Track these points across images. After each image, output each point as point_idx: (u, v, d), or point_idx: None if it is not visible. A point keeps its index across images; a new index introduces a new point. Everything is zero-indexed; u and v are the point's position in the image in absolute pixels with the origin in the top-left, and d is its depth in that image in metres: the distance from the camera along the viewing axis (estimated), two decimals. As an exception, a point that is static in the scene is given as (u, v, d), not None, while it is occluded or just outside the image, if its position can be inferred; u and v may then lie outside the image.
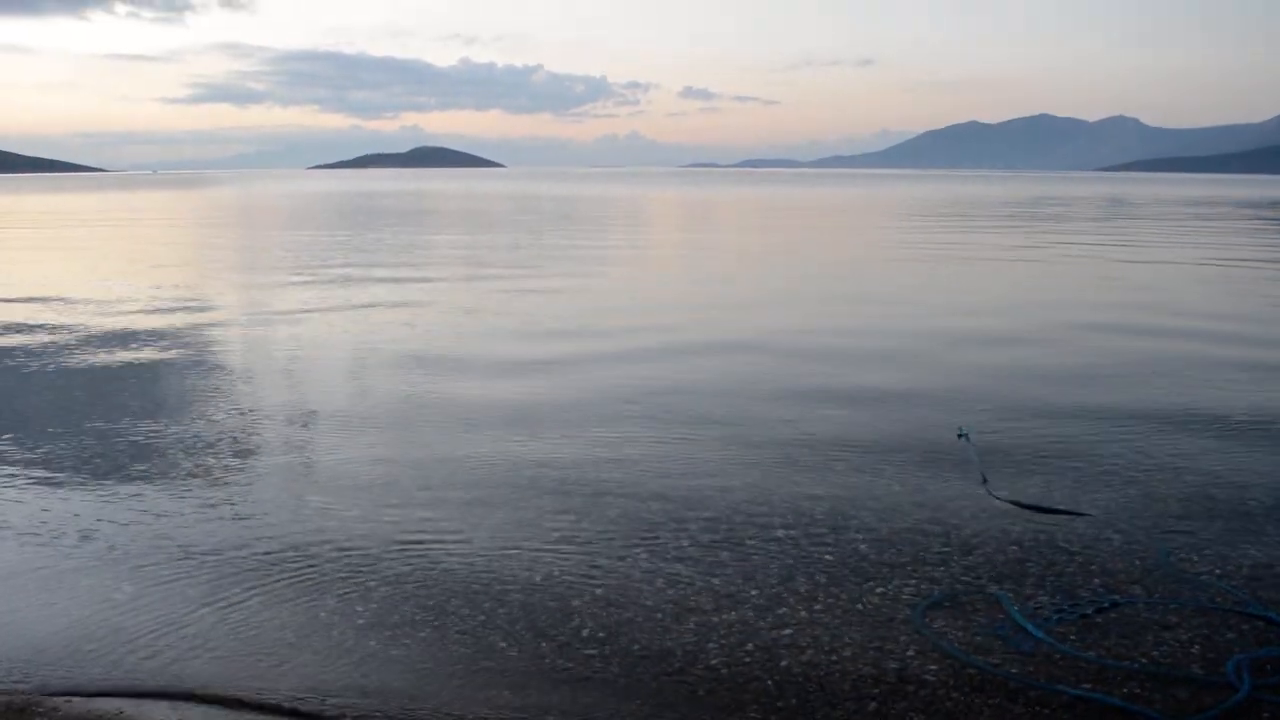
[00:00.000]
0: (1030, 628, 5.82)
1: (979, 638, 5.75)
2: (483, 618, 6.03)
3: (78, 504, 8.08)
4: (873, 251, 34.21)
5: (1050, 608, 6.12)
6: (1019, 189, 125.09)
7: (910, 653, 5.58)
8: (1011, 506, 7.88)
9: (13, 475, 8.81)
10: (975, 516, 7.67)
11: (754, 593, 6.34)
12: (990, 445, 9.47)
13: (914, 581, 6.50)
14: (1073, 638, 5.74)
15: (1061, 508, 7.85)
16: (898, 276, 26.09)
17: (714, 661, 5.50)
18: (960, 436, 9.65)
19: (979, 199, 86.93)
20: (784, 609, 6.11)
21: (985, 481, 8.39)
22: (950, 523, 7.54)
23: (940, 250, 33.61)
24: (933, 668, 5.43)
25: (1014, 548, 7.06)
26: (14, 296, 21.19)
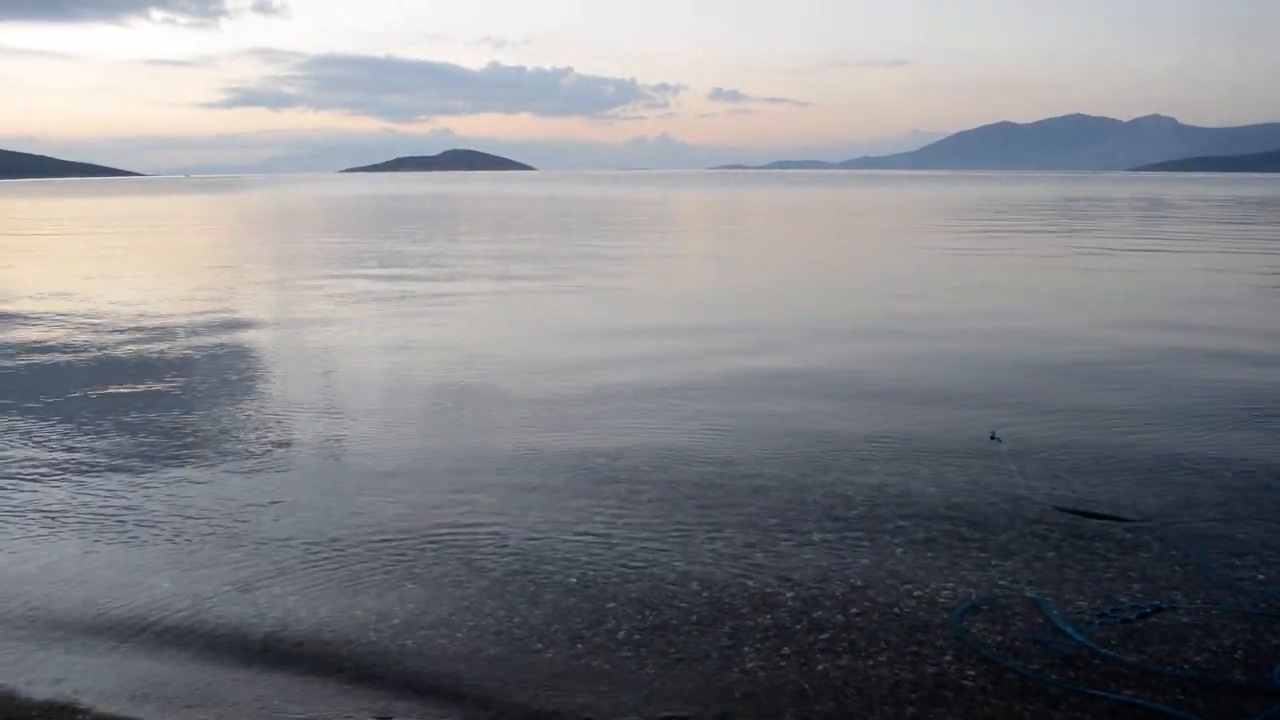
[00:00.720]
0: (1071, 632, 5.75)
1: (1018, 642, 5.69)
2: (518, 619, 6.03)
3: (117, 496, 8.15)
4: (913, 256, 34.01)
5: (1090, 612, 6.05)
6: (1056, 190, 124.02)
7: (948, 657, 5.53)
8: (1050, 510, 7.80)
9: (60, 465, 8.91)
10: (1012, 521, 7.59)
11: (789, 596, 6.30)
12: (1026, 449, 9.38)
13: (951, 585, 6.45)
14: (1114, 643, 5.67)
15: (1100, 511, 7.76)
16: (935, 276, 25.93)
17: (750, 665, 5.48)
18: (993, 439, 9.58)
19: (1016, 201, 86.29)
20: (820, 612, 6.07)
21: (1022, 484, 8.31)
22: (987, 526, 7.48)
23: (981, 253, 33.39)
24: (971, 672, 5.38)
25: (1052, 553, 6.98)
26: (77, 304, 21.44)
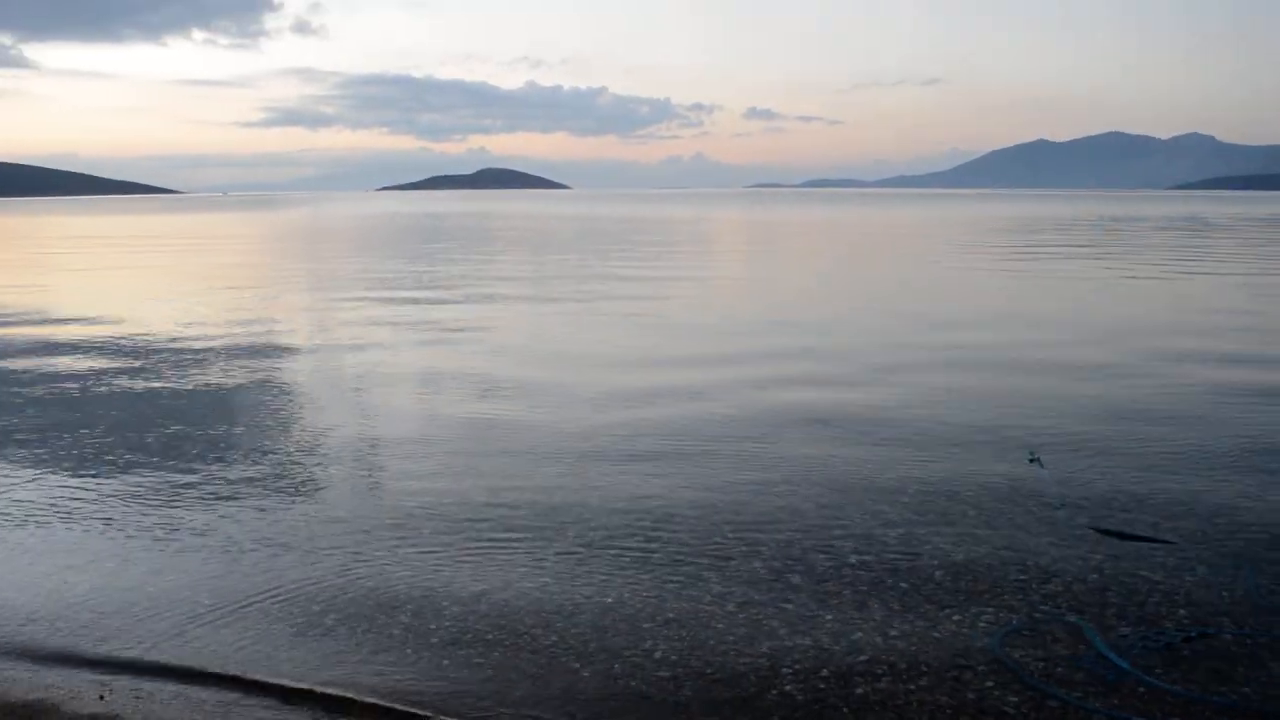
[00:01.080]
0: (1114, 657, 5.67)
1: (1060, 669, 5.62)
2: (555, 638, 6.02)
3: (158, 511, 8.24)
4: (956, 276, 33.82)
5: (1134, 637, 5.96)
6: (1096, 209, 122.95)
7: (989, 683, 5.47)
8: (1091, 532, 7.71)
9: (103, 482, 9.01)
10: (1053, 543, 7.51)
11: (828, 618, 6.26)
12: (1066, 472, 9.28)
13: (991, 609, 6.37)
14: (1158, 670, 5.59)
15: (1143, 534, 7.66)
16: (980, 300, 25.78)
17: (788, 687, 5.44)
18: (1031, 460, 9.49)
19: (1055, 220, 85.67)
20: (859, 635, 6.02)
21: (1062, 506, 8.23)
22: (1027, 549, 7.39)
23: (1023, 276, 33.16)
24: (1013, 699, 5.31)
25: (1094, 576, 6.90)
26: (127, 320, 21.73)
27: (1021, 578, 6.87)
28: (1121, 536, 7.63)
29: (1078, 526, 7.84)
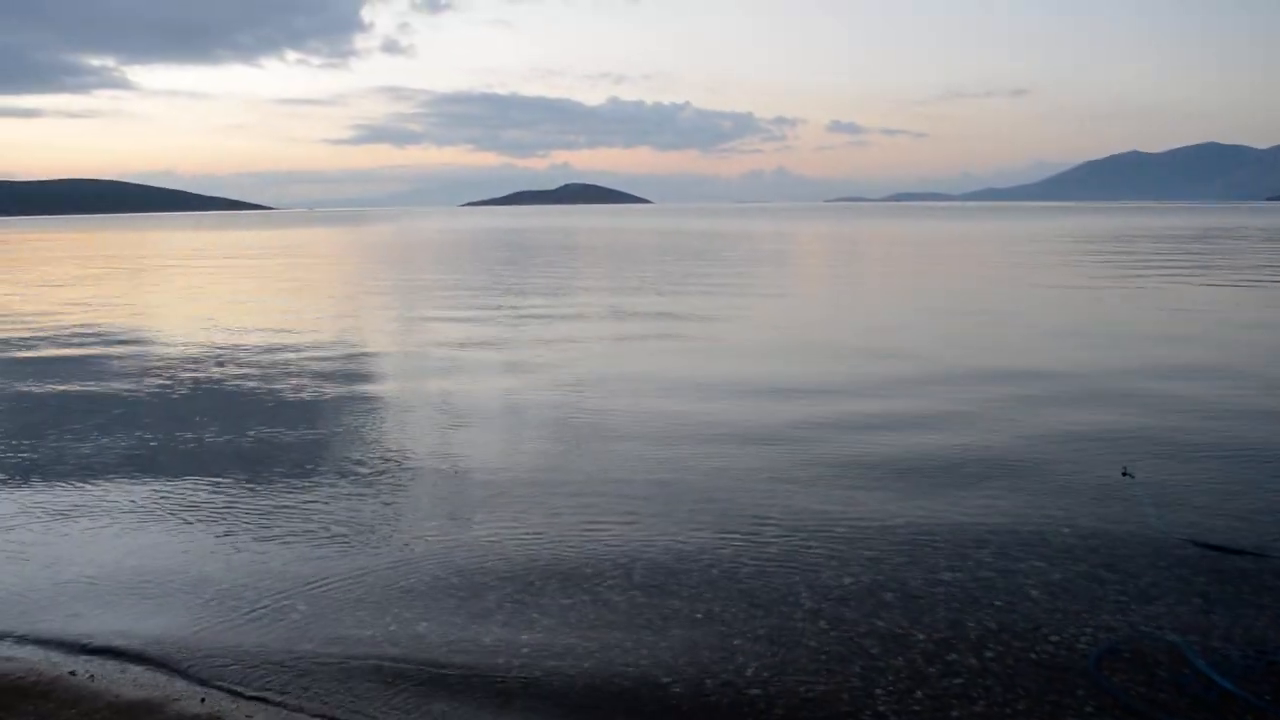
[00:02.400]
0: (1217, 678, 5.50)
1: (1162, 692, 5.46)
2: (645, 651, 6.03)
3: (250, 515, 8.44)
4: (1051, 297, 33.22)
5: (1236, 658, 5.78)
6: (1198, 221, 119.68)
7: (1089, 708, 5.33)
8: (1190, 548, 7.49)
9: (193, 481, 9.28)
10: (1152, 561, 7.31)
11: (921, 637, 6.17)
12: (1163, 488, 9.03)
13: (1090, 629, 6.22)
14: (1268, 696, 5.40)
15: (1247, 549, 7.42)
16: (1078, 309, 25.29)
17: (881, 708, 5.37)
18: (1125, 475, 9.27)
19: (1157, 233, 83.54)
20: (953, 655, 5.93)
21: (1159, 519, 8.01)
22: (1125, 568, 7.21)
23: (1125, 295, 32.44)
24: (1113, 724, 5.18)
25: (1195, 594, 6.70)
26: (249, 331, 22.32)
27: (1121, 597, 6.70)
28: (1224, 550, 7.40)
29: (1176, 542, 7.63)
